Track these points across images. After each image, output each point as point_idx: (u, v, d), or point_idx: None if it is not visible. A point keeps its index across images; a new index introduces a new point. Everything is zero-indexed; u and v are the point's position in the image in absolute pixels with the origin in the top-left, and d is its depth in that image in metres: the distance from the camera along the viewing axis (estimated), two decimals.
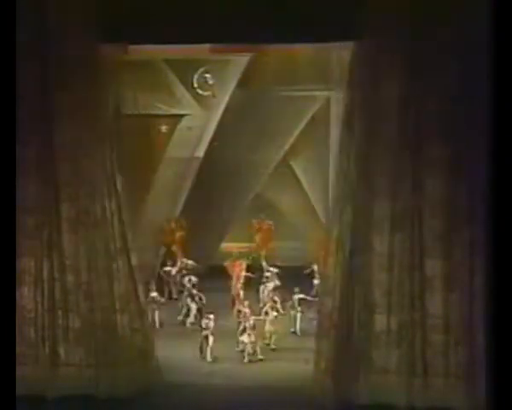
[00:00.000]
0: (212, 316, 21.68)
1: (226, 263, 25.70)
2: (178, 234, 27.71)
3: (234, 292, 24.95)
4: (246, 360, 21.38)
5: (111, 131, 19.85)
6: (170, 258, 27.64)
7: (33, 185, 18.57)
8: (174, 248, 27.70)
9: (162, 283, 26.36)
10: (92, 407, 18.66)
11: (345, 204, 18.64)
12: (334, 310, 18.48)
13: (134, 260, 19.90)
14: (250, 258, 26.93)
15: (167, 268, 26.69)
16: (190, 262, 26.73)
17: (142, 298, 20.19)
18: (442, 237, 17.91)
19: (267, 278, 25.81)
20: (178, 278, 26.30)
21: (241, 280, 24.98)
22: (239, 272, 24.91)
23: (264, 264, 27.54)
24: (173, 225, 27.95)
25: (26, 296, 18.68)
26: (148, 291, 23.45)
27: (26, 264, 18.64)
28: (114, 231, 19.33)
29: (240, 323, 22.14)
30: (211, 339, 21.40)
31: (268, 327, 22.38)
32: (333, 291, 18.63)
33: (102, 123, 19.70)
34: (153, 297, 23.96)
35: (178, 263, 27.03)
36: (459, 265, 17.86)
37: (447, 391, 18.03)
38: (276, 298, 23.57)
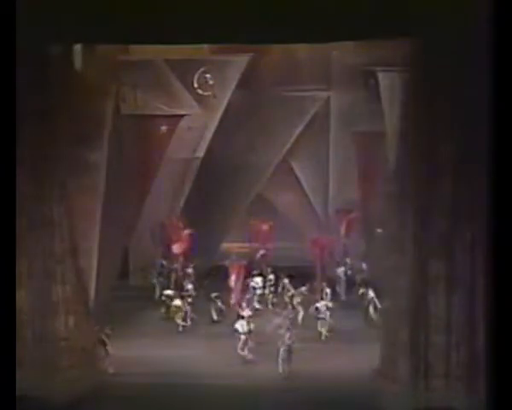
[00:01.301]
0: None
1: (227, 262, 25.57)
2: (184, 232, 27.61)
3: (234, 292, 24.79)
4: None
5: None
6: (169, 258, 27.75)
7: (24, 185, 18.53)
8: (176, 247, 27.63)
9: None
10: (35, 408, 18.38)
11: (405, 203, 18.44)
12: (401, 315, 18.34)
13: (82, 263, 19.77)
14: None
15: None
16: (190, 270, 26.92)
17: (89, 300, 20.06)
18: (444, 237, 17.87)
19: (270, 280, 25.98)
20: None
21: (242, 280, 24.83)
22: (239, 271, 24.78)
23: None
24: (178, 223, 27.89)
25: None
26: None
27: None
28: (63, 233, 19.12)
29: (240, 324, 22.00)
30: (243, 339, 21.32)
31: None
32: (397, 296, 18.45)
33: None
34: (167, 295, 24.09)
35: (179, 264, 27.20)
36: (460, 266, 17.83)
37: (448, 391, 18.01)
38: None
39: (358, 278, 26.35)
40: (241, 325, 21.54)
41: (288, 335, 20.59)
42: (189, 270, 26.86)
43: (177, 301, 24.11)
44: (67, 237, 19.22)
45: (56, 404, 18.15)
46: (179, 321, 23.84)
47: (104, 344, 20.38)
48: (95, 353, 19.83)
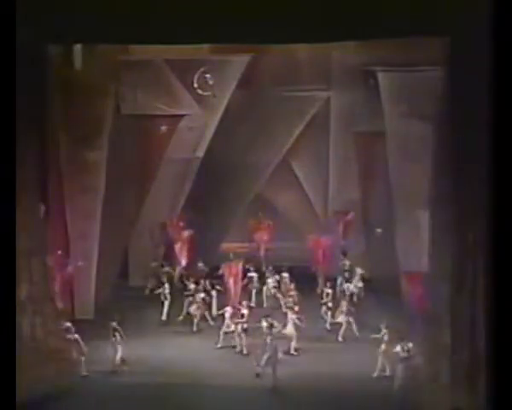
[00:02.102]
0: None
1: (223, 265, 25.33)
2: (186, 232, 27.59)
3: (232, 293, 24.65)
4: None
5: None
6: (170, 258, 27.77)
7: None
8: (178, 246, 27.62)
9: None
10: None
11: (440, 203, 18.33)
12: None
13: (50, 262, 19.63)
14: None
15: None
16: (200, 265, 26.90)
17: (58, 299, 19.93)
18: (444, 237, 17.88)
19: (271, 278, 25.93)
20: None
21: (239, 281, 24.68)
22: (236, 272, 24.68)
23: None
24: (179, 222, 27.86)
25: None
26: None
27: None
28: (30, 232, 18.92)
29: (237, 324, 22.02)
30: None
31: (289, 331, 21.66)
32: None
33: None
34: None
35: (183, 263, 27.21)
36: (461, 266, 17.85)
37: (448, 391, 18.03)
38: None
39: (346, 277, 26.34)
40: (234, 323, 21.70)
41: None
42: (195, 267, 26.80)
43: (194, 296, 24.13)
44: (35, 235, 19.09)
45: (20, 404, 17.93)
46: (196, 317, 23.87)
47: (116, 332, 20.56)
48: (63, 353, 19.72)
